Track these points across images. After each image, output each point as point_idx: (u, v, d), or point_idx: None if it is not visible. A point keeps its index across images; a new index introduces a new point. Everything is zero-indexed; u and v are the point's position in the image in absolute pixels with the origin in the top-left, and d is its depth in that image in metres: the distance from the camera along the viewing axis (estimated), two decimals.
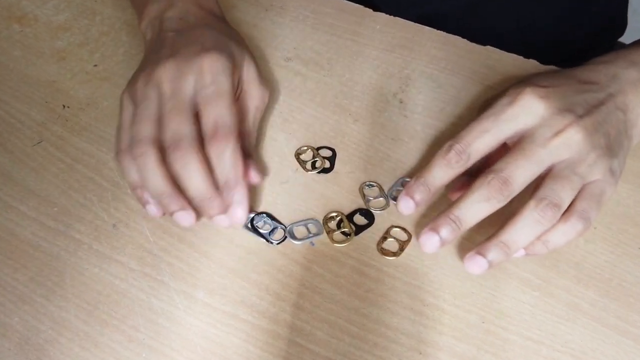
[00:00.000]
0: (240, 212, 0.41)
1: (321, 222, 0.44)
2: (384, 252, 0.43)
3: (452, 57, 0.55)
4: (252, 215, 0.44)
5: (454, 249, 0.43)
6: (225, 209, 0.41)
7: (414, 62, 0.55)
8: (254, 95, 0.46)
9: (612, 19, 0.70)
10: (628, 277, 0.42)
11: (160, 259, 0.42)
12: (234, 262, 0.42)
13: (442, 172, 0.40)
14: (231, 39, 0.46)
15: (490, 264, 0.38)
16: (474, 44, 0.56)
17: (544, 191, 0.38)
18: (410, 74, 0.54)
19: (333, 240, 0.43)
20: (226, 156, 0.40)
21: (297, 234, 0.43)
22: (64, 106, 0.51)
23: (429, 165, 0.41)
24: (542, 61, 0.54)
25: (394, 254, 0.43)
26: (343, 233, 0.43)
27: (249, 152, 0.45)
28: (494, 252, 0.38)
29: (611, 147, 0.40)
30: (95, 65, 0.54)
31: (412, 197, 0.40)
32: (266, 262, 0.42)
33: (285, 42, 0.56)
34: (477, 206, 0.38)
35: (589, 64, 0.45)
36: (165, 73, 0.41)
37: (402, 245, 0.43)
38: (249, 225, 0.43)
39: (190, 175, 0.39)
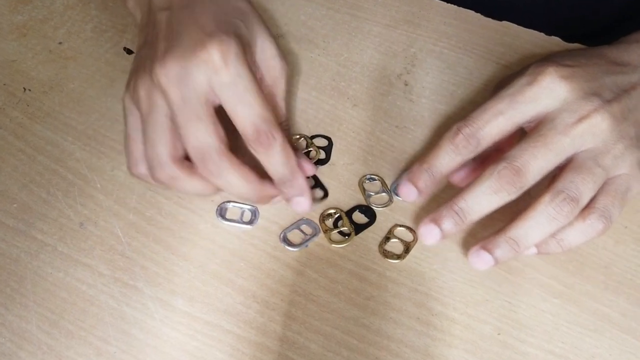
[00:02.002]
0: (305, 204, 0.42)
1: (316, 220, 0.44)
2: (387, 254, 0.43)
3: (464, 34, 0.55)
4: (220, 206, 0.44)
5: (464, 250, 0.43)
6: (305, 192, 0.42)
7: (421, 39, 0.55)
8: (276, 76, 0.45)
9: None
10: None
11: (134, 262, 0.42)
12: (216, 266, 0.42)
13: (449, 158, 0.40)
14: (234, 12, 0.43)
15: (497, 261, 0.38)
16: (488, 19, 0.56)
17: (562, 183, 0.37)
18: (417, 53, 0.54)
19: (330, 241, 0.42)
20: (276, 156, 0.40)
21: (292, 239, 0.43)
22: (24, 89, 0.51)
23: (434, 149, 0.40)
24: (566, 38, 0.54)
25: (398, 257, 0.42)
26: (341, 233, 0.43)
27: (291, 141, 0.44)
28: (501, 248, 0.38)
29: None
30: (60, 43, 0.54)
31: (415, 184, 0.40)
32: (253, 266, 0.42)
33: (276, 16, 0.56)
34: (484, 198, 0.38)
35: (620, 42, 0.45)
36: (168, 75, 0.38)
37: (407, 247, 0.43)
38: (220, 216, 0.44)
39: (229, 187, 0.40)
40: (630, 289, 0.41)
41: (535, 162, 0.37)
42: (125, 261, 0.42)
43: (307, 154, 0.47)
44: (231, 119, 0.39)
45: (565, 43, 0.54)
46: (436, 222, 0.39)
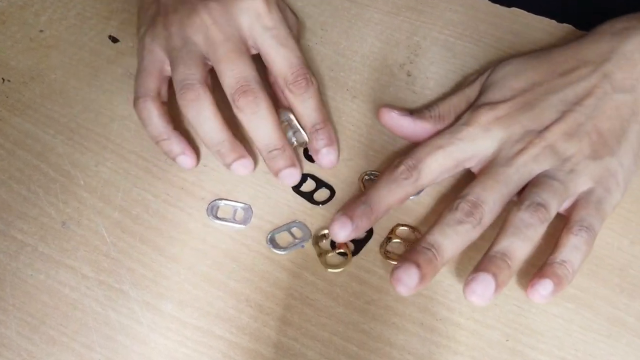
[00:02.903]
0: (332, 156, 0.45)
1: (307, 227, 0.44)
2: (389, 255, 0.42)
3: (471, 21, 0.55)
4: (211, 204, 0.45)
5: (472, 253, 0.42)
6: (294, 162, 0.44)
7: (425, 27, 0.55)
8: (290, 26, 0.48)
9: None
10: None
11: (119, 263, 0.42)
12: (207, 268, 0.42)
13: (389, 190, 0.41)
14: None
15: (497, 285, 0.37)
16: (496, 5, 0.56)
17: (524, 196, 0.40)
18: (420, 42, 0.54)
19: (327, 265, 0.42)
20: (312, 100, 0.45)
21: (280, 242, 0.43)
22: (3, 80, 0.51)
23: (374, 182, 0.41)
24: (578, 26, 0.54)
25: None
26: (340, 254, 0.43)
27: None
28: (494, 265, 0.38)
29: (605, 144, 0.42)
30: (42, 31, 0.54)
31: (350, 217, 0.40)
32: (246, 268, 0.42)
33: None
34: (450, 231, 0.38)
35: (592, 33, 0.46)
36: (212, 15, 0.44)
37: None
38: (212, 215, 0.44)
39: (263, 123, 0.43)
40: None
41: (488, 194, 0.39)
42: (110, 262, 0.42)
43: (305, 150, 0.47)
44: (269, 63, 0.45)
45: (578, 31, 0.54)
46: (412, 262, 0.37)
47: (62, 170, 0.46)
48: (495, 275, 0.37)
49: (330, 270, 0.42)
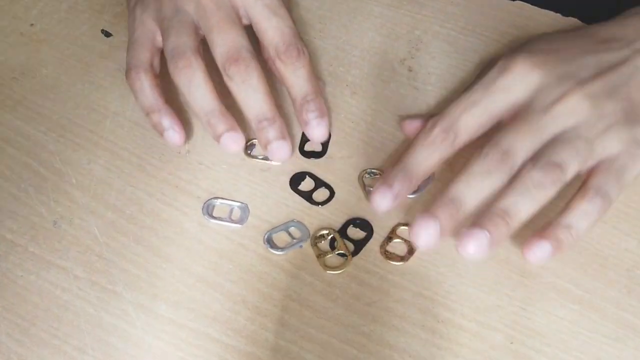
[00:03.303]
0: (323, 128, 0.45)
1: (306, 227, 0.43)
2: (389, 255, 0.42)
3: (473, 15, 0.55)
4: (206, 203, 0.45)
5: None
6: (284, 134, 0.44)
7: (426, 20, 0.55)
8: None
9: None
10: None
11: (112, 264, 0.42)
12: (203, 268, 0.42)
13: (426, 154, 0.40)
14: None
15: (491, 242, 0.37)
16: None
17: (542, 152, 0.39)
18: (422, 36, 0.54)
19: (325, 267, 0.42)
20: (303, 69, 0.44)
21: (277, 242, 0.43)
22: None
23: (409, 148, 0.41)
24: (584, 19, 0.54)
25: (402, 259, 0.42)
26: (340, 255, 0.43)
27: None
28: (492, 223, 0.37)
29: (637, 113, 0.41)
30: (32, 25, 0.54)
31: (390, 186, 0.40)
32: (243, 268, 0.42)
33: None
34: (476, 183, 0.38)
35: (620, 16, 0.46)
36: None
37: (411, 248, 0.43)
38: (207, 214, 0.44)
39: (254, 92, 0.43)
40: None
41: (520, 142, 0.39)
42: (103, 263, 0.42)
43: (302, 146, 0.47)
44: (260, 33, 0.45)
45: (584, 24, 0.53)
46: (432, 215, 0.38)
47: (54, 168, 0.46)
48: (490, 233, 0.37)
49: (329, 271, 0.42)
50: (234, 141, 0.44)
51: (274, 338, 0.39)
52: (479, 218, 0.38)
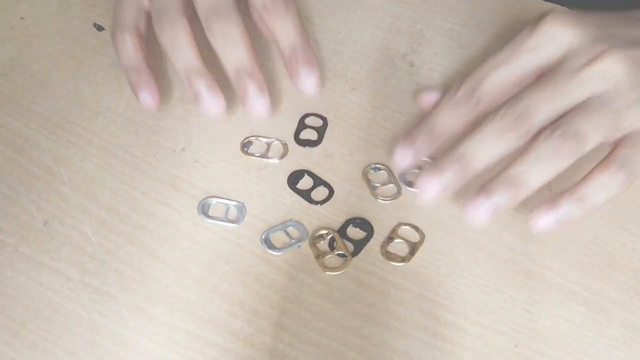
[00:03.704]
0: (314, 78, 0.45)
1: (304, 227, 0.43)
2: (390, 256, 0.42)
3: (478, 9, 0.55)
4: (202, 202, 0.44)
5: (477, 252, 0.42)
6: (263, 88, 0.44)
7: (429, 14, 0.55)
8: None
9: None
10: None
11: (106, 264, 0.42)
12: (198, 269, 0.42)
13: (450, 114, 0.41)
14: None
15: (495, 210, 0.37)
16: None
17: (564, 118, 0.38)
18: (424, 30, 0.54)
19: (325, 268, 0.42)
20: (292, 21, 0.45)
21: (275, 242, 0.43)
22: None
23: (434, 107, 0.41)
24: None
25: (403, 259, 0.42)
26: (339, 255, 0.43)
27: None
28: (500, 190, 0.37)
29: None
30: (22, 19, 0.54)
31: (412, 144, 0.40)
32: (240, 269, 0.42)
33: None
34: (488, 143, 0.38)
35: None
36: None
37: (413, 248, 0.43)
38: (203, 213, 0.44)
39: (234, 44, 0.43)
40: None
41: (540, 105, 0.38)
42: (95, 264, 0.42)
43: (297, 134, 0.47)
44: None
45: None
46: (438, 171, 0.38)
47: (45, 166, 0.46)
48: (497, 202, 0.37)
49: (328, 272, 0.42)
50: (215, 102, 0.44)
51: (271, 341, 0.39)
52: (487, 183, 0.38)
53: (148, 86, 0.45)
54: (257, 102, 0.44)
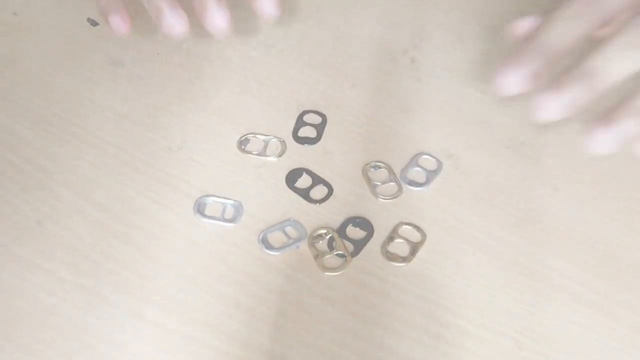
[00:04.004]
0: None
1: (303, 226, 0.43)
2: (391, 256, 0.42)
3: (479, 3, 0.55)
4: (198, 201, 0.44)
5: (479, 252, 0.43)
6: (222, 1, 0.42)
7: (431, 9, 0.55)
8: None
9: None
10: None
11: (99, 265, 0.42)
12: (194, 270, 0.42)
13: (566, 26, 0.36)
14: None
15: (569, 106, 0.34)
16: None
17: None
18: (425, 25, 0.54)
19: (324, 268, 0.42)
20: None
21: (273, 242, 0.43)
22: None
23: (544, 22, 0.37)
24: None
25: (404, 260, 0.42)
26: (339, 255, 0.42)
27: None
28: (576, 85, 0.34)
29: None
30: (15, 14, 0.54)
31: (520, 62, 0.36)
32: (237, 270, 0.42)
33: None
34: (562, 27, 0.36)
35: None
36: None
37: (414, 248, 0.43)
38: (199, 212, 0.44)
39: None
40: None
41: None
42: (89, 264, 0.42)
43: (295, 131, 0.47)
44: None
45: None
46: (516, 61, 0.36)
47: (38, 164, 0.46)
48: (570, 96, 0.34)
49: (327, 273, 0.42)
50: (176, 17, 0.42)
51: (269, 343, 0.39)
52: (561, 79, 0.35)
53: (118, 11, 0.44)
54: (217, 16, 0.42)
